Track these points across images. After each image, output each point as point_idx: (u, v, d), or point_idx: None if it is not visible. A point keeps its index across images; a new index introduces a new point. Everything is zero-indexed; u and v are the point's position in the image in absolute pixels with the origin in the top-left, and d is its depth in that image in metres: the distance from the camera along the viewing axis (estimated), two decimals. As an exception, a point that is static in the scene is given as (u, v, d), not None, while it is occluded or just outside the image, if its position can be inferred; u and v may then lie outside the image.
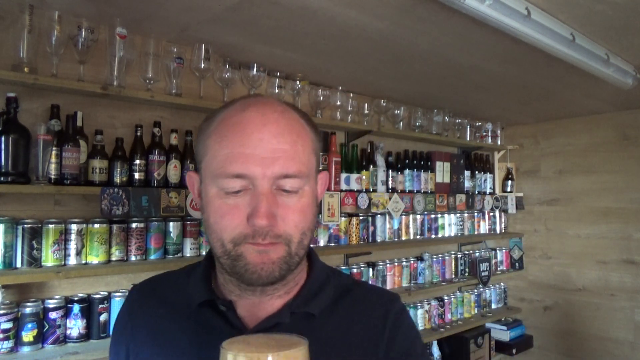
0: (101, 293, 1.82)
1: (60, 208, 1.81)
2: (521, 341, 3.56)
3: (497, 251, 3.75)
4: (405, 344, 0.80)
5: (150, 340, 0.80)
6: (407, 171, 3.01)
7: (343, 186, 2.64)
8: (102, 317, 1.78)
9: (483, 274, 3.41)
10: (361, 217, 2.77)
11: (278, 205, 0.71)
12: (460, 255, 3.41)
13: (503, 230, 3.84)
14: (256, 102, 0.76)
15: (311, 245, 0.82)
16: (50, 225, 1.70)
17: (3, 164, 1.56)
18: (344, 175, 2.65)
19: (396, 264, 2.95)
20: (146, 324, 0.82)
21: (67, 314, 1.73)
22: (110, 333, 1.55)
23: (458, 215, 3.41)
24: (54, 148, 1.67)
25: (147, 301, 0.86)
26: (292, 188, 0.72)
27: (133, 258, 1.88)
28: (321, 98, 2.53)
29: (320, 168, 0.87)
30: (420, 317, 2.98)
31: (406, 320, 0.84)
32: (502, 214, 3.81)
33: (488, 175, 3.66)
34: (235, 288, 0.79)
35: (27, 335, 1.63)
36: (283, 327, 0.74)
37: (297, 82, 2.43)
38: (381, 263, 2.87)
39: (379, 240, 2.87)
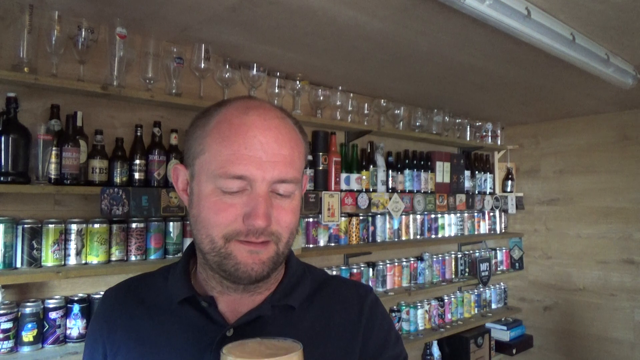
0: (101, 293, 1.81)
1: (60, 208, 1.81)
2: (521, 341, 3.56)
3: (497, 251, 3.75)
4: (380, 336, 0.85)
5: (129, 341, 0.80)
6: (407, 171, 3.01)
7: (343, 186, 2.64)
8: (102, 317, 1.78)
9: (483, 274, 3.41)
10: (361, 217, 2.77)
11: (273, 207, 0.73)
12: (460, 255, 3.41)
13: (503, 230, 3.84)
14: (257, 106, 0.77)
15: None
16: (50, 225, 1.70)
17: (3, 164, 1.56)
18: (344, 175, 2.65)
19: (396, 264, 2.95)
20: (124, 325, 0.82)
21: (67, 314, 1.73)
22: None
23: (458, 215, 3.41)
24: (54, 148, 1.67)
25: (124, 303, 0.85)
26: (286, 192, 0.75)
27: (133, 258, 1.88)
28: (321, 98, 2.53)
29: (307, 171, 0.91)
30: (420, 317, 2.98)
31: (380, 312, 0.89)
32: (502, 214, 3.81)
33: (488, 175, 3.66)
34: (217, 284, 0.80)
35: (27, 335, 1.63)
36: (264, 320, 0.77)
37: (297, 82, 2.43)
38: (381, 263, 2.87)
39: (379, 240, 2.87)
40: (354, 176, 2.68)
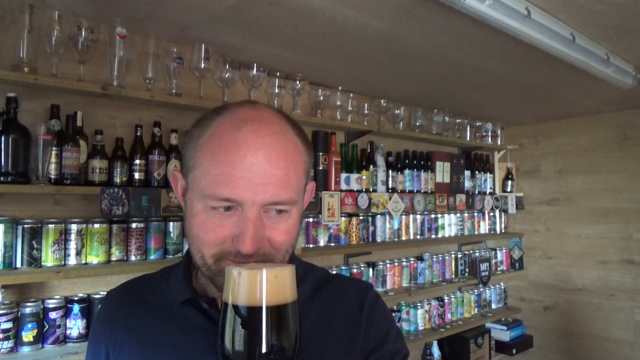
0: (101, 293, 1.82)
1: (60, 208, 1.81)
2: (521, 341, 3.56)
3: (497, 251, 3.75)
4: (381, 331, 0.85)
5: (131, 342, 0.80)
6: (407, 171, 3.01)
7: (343, 186, 2.63)
8: (102, 317, 1.78)
9: (483, 274, 3.41)
10: (361, 217, 2.77)
11: (265, 228, 0.71)
12: (460, 255, 3.41)
13: (503, 230, 3.84)
14: (252, 119, 0.72)
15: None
16: (50, 225, 1.70)
17: (3, 164, 1.56)
18: (344, 175, 2.65)
19: (396, 264, 2.95)
20: (127, 327, 0.82)
21: (67, 314, 1.73)
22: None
23: (458, 215, 3.41)
24: (54, 148, 1.67)
25: (126, 304, 0.85)
26: (280, 213, 0.72)
27: (133, 258, 1.88)
28: (321, 98, 2.53)
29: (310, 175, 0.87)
30: (420, 317, 2.98)
31: (380, 308, 0.88)
32: (502, 214, 3.81)
33: (488, 175, 3.66)
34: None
35: (27, 335, 1.63)
36: None
37: (297, 82, 2.43)
38: (381, 263, 2.87)
39: (379, 240, 2.87)
40: (354, 176, 2.68)
